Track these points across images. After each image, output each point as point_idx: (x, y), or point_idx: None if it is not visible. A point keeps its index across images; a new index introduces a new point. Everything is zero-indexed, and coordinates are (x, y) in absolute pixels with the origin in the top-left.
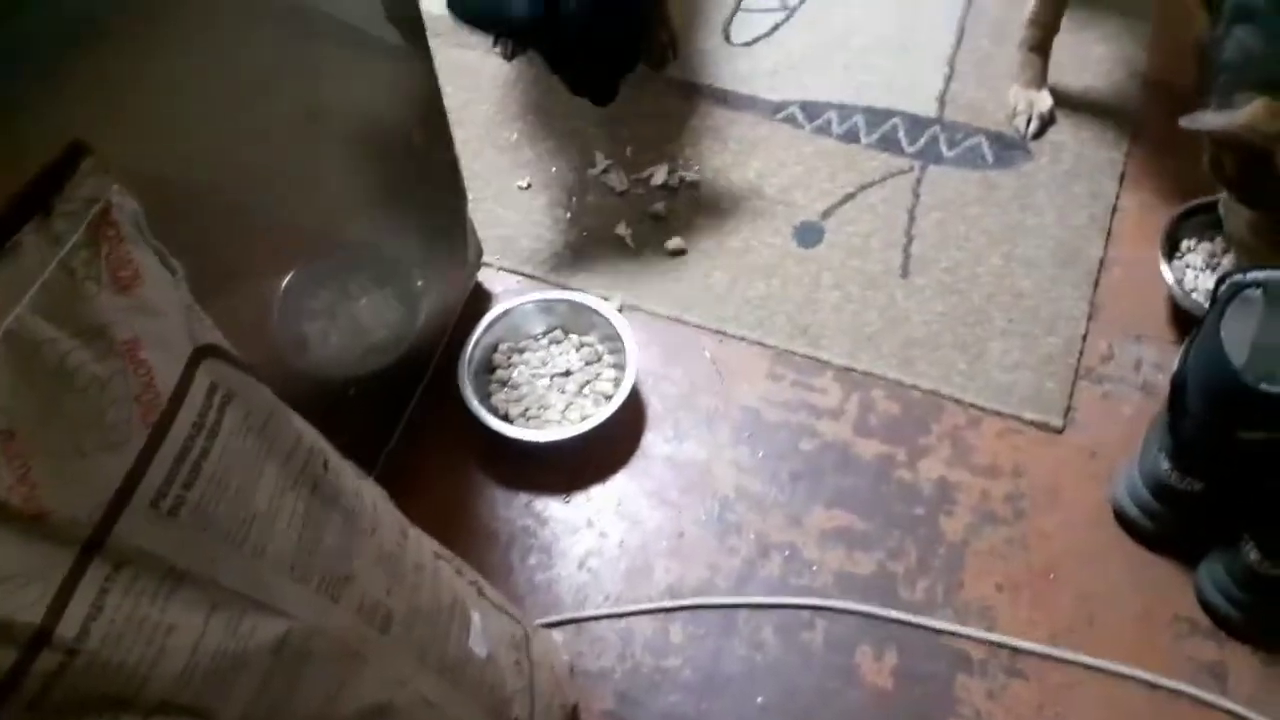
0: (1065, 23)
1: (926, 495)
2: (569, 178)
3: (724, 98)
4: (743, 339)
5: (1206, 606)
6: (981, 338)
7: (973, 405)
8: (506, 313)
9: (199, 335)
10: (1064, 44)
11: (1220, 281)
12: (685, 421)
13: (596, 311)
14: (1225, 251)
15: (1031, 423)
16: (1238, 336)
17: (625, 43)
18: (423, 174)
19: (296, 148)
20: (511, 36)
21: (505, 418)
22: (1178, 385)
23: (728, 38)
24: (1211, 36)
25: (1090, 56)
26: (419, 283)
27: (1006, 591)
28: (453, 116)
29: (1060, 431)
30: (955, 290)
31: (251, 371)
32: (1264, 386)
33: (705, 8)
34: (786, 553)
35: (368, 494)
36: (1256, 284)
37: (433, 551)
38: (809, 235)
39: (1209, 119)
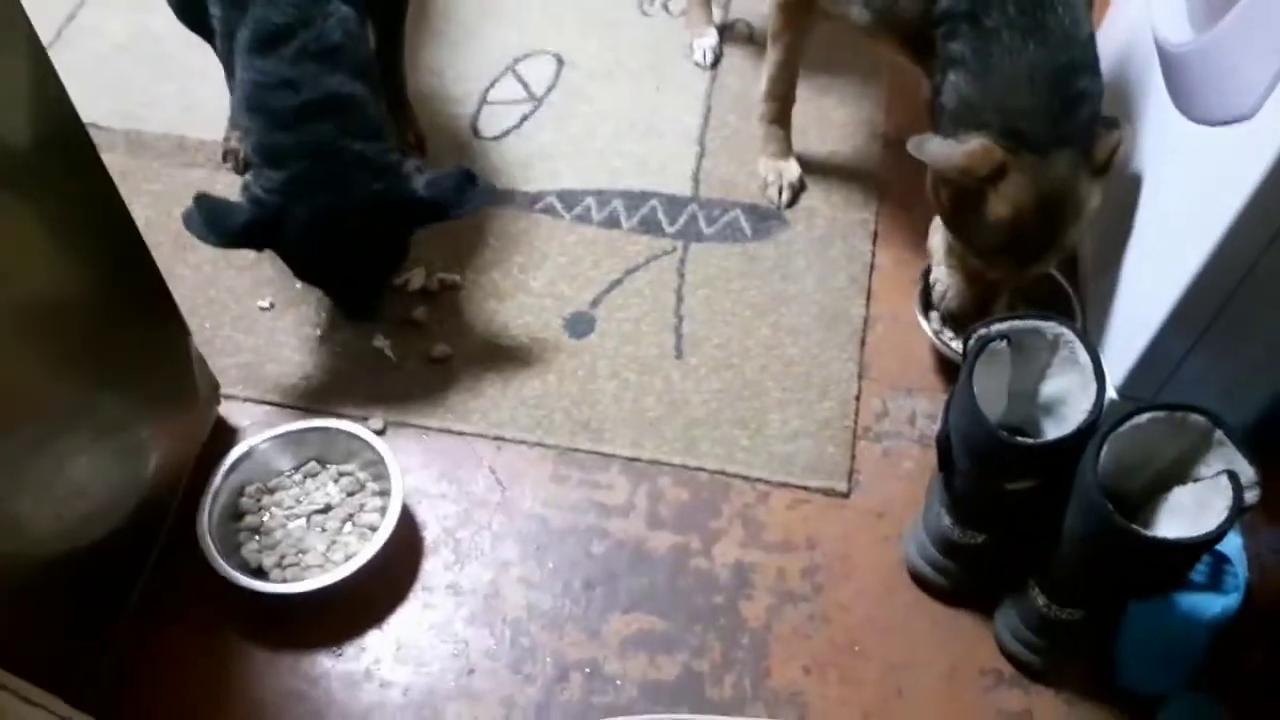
0: (804, 90)
1: (724, 582)
2: (316, 291)
3: None
4: (522, 442)
5: (1008, 655)
6: (760, 410)
7: (759, 480)
8: (250, 451)
9: None
10: (806, 111)
11: (967, 338)
12: (466, 542)
13: (354, 436)
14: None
15: (818, 490)
16: (993, 389)
17: (367, 263)
18: (128, 314)
19: None
20: (241, 246)
21: (259, 570)
22: (944, 444)
23: (476, 132)
24: (931, 87)
25: (831, 121)
26: (143, 431)
27: (814, 673)
28: (183, 240)
29: (846, 496)
30: (729, 365)
31: None
32: (1019, 439)
33: (450, 104)
34: (587, 670)
35: None
36: (1002, 336)
37: None
38: (580, 326)
39: (931, 149)
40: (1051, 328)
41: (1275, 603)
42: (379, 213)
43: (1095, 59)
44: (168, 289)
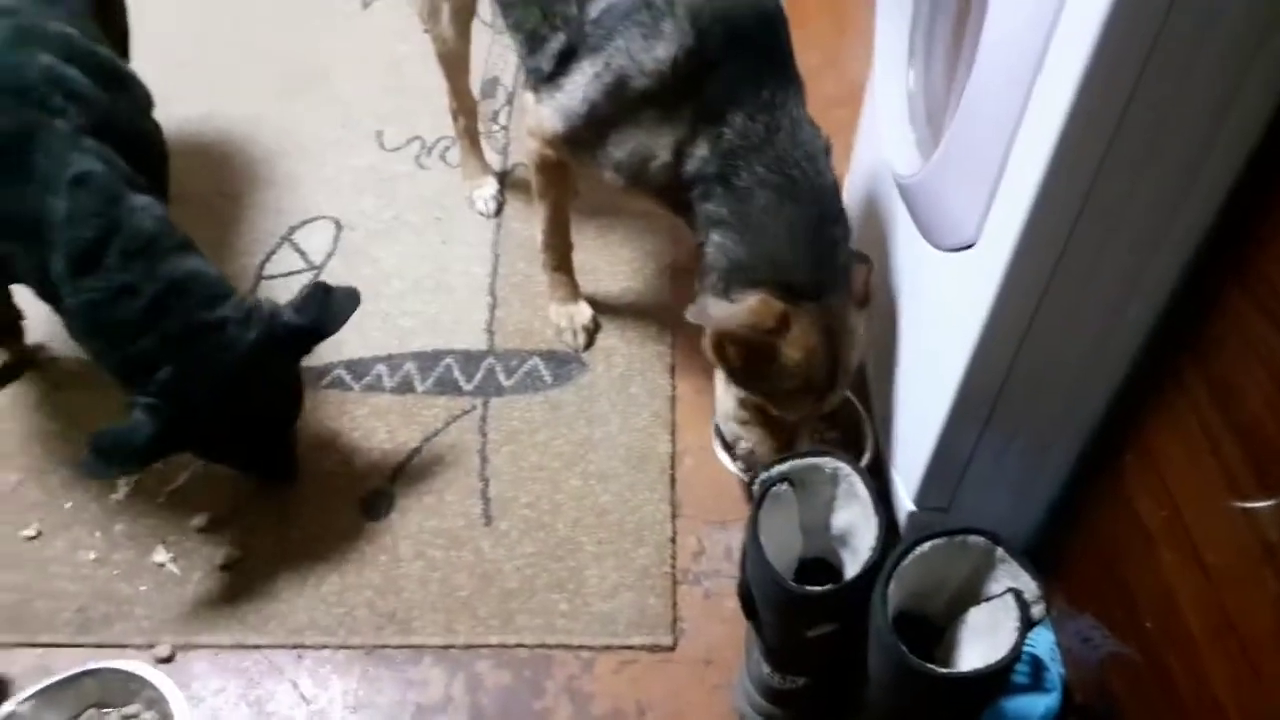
0: (590, 229)
1: None
2: (89, 509)
3: None
4: (324, 647)
5: None
6: (576, 569)
7: (582, 647)
8: (12, 715)
9: None
10: (593, 250)
11: (751, 484)
12: None
13: (132, 675)
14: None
15: (643, 647)
16: (786, 529)
17: (277, 413)
18: None
19: None
20: (157, 459)
21: None
22: (745, 594)
23: None
24: (696, 241)
25: (619, 258)
26: None
27: None
28: None
29: (672, 648)
30: (541, 525)
31: None
32: (808, 588)
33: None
34: None
35: None
36: (783, 478)
37: None
38: (378, 506)
39: (713, 312)
40: (829, 463)
41: (1091, 693)
42: (265, 357)
43: (841, 205)
44: None
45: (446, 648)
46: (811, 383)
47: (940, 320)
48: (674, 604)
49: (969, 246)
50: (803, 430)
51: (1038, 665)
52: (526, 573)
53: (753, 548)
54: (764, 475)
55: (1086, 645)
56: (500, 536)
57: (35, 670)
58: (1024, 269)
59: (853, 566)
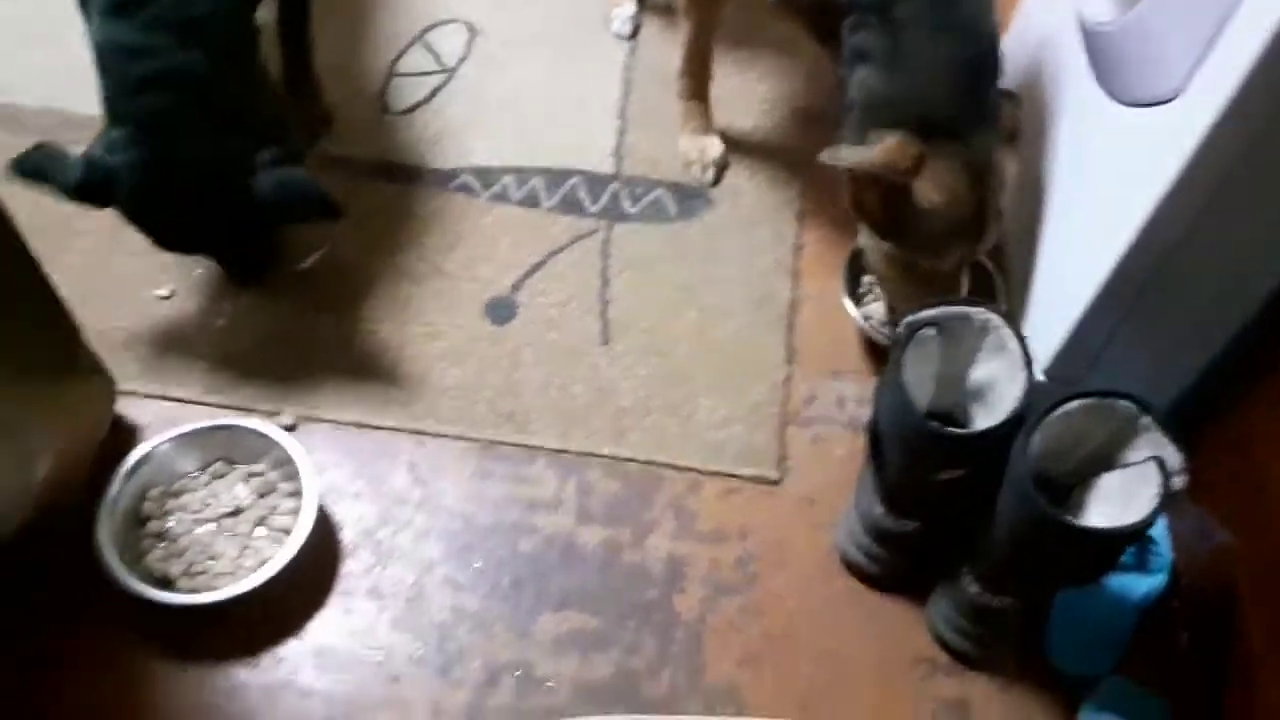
0: (727, 65)
1: (656, 575)
2: (219, 278)
3: (389, 171)
4: (443, 436)
5: (942, 643)
6: (689, 397)
7: (690, 469)
8: (150, 453)
9: None
10: (729, 86)
11: (896, 325)
12: (386, 543)
13: (262, 434)
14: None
15: (749, 479)
16: (922, 376)
17: (205, 231)
18: (5, 315)
19: None
20: (78, 202)
21: (164, 580)
22: (874, 432)
23: (385, 107)
24: (838, 76)
25: (755, 96)
26: (33, 434)
27: (749, 667)
28: (69, 227)
29: (778, 483)
30: (657, 351)
31: None
32: (949, 429)
33: (357, 77)
34: (518, 673)
35: None
36: (931, 323)
37: None
38: (501, 311)
39: (847, 155)
40: (979, 314)
41: (1198, 583)
42: (206, 199)
43: (999, 49)
44: (49, 285)
45: (560, 452)
46: (957, 226)
47: (1109, 184)
48: (782, 443)
49: (1167, 101)
50: (957, 282)
51: (1144, 548)
52: (640, 394)
53: (895, 386)
54: (911, 318)
55: (1199, 535)
56: (616, 356)
57: (163, 421)
58: (1231, 126)
59: (985, 421)
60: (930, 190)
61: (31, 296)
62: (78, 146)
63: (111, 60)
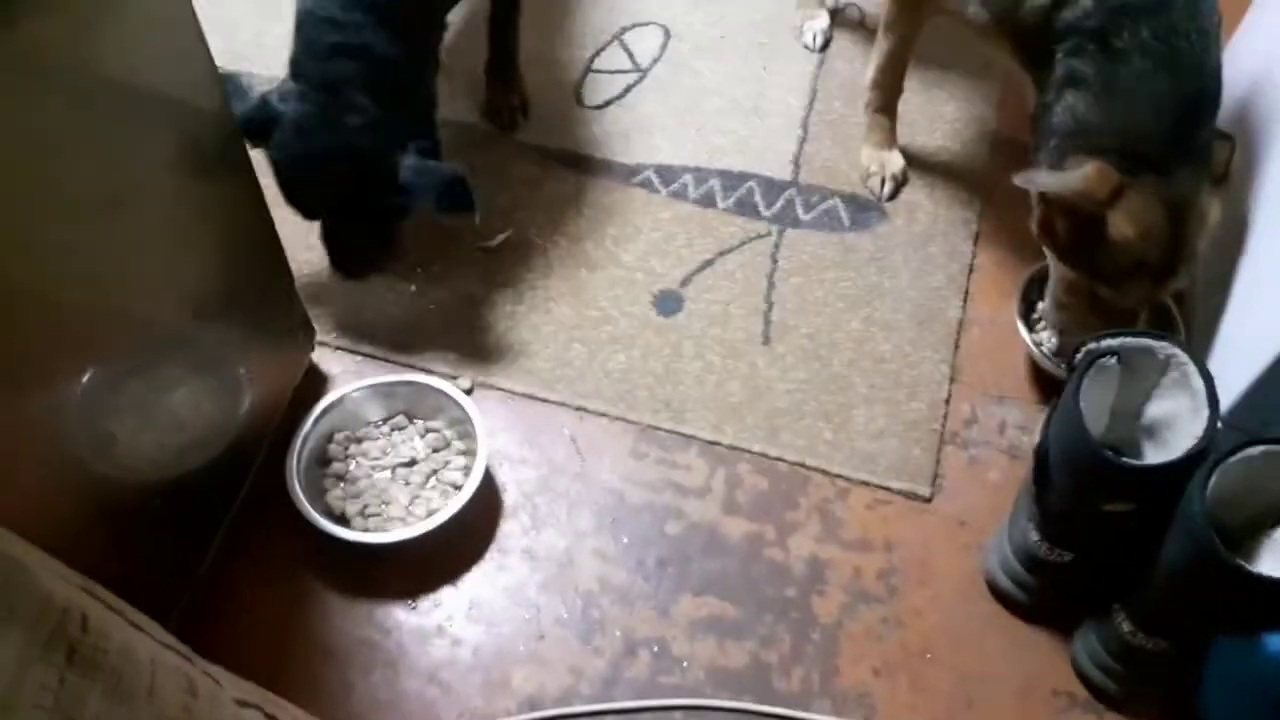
0: (915, 82)
1: (797, 575)
2: (413, 246)
3: (576, 162)
4: (604, 415)
5: (1083, 678)
6: (845, 405)
7: (840, 476)
8: (341, 399)
9: None
10: (915, 104)
11: (1076, 351)
12: (543, 509)
13: (443, 393)
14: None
15: (900, 493)
16: (1096, 405)
17: (340, 205)
18: (237, 252)
19: (88, 229)
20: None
21: (342, 517)
22: (1041, 458)
23: (579, 100)
24: (1040, 102)
25: (941, 116)
26: (241, 370)
27: (884, 676)
28: None
29: (929, 500)
30: (817, 357)
31: None
32: (1125, 460)
33: (556, 69)
34: (655, 649)
35: (143, 650)
36: (1112, 352)
37: (235, 701)
38: (668, 304)
39: (1042, 179)
40: (1164, 348)
41: None
42: (350, 166)
43: (1219, 85)
44: (275, 230)
45: (713, 444)
46: (1147, 263)
47: None
48: (937, 461)
49: None
50: (1133, 323)
51: None
52: (796, 396)
53: (1070, 409)
54: (1092, 345)
55: None
56: (776, 358)
57: (351, 374)
58: None
59: (1157, 458)
60: (1124, 223)
61: (261, 249)
62: None
63: (310, 27)
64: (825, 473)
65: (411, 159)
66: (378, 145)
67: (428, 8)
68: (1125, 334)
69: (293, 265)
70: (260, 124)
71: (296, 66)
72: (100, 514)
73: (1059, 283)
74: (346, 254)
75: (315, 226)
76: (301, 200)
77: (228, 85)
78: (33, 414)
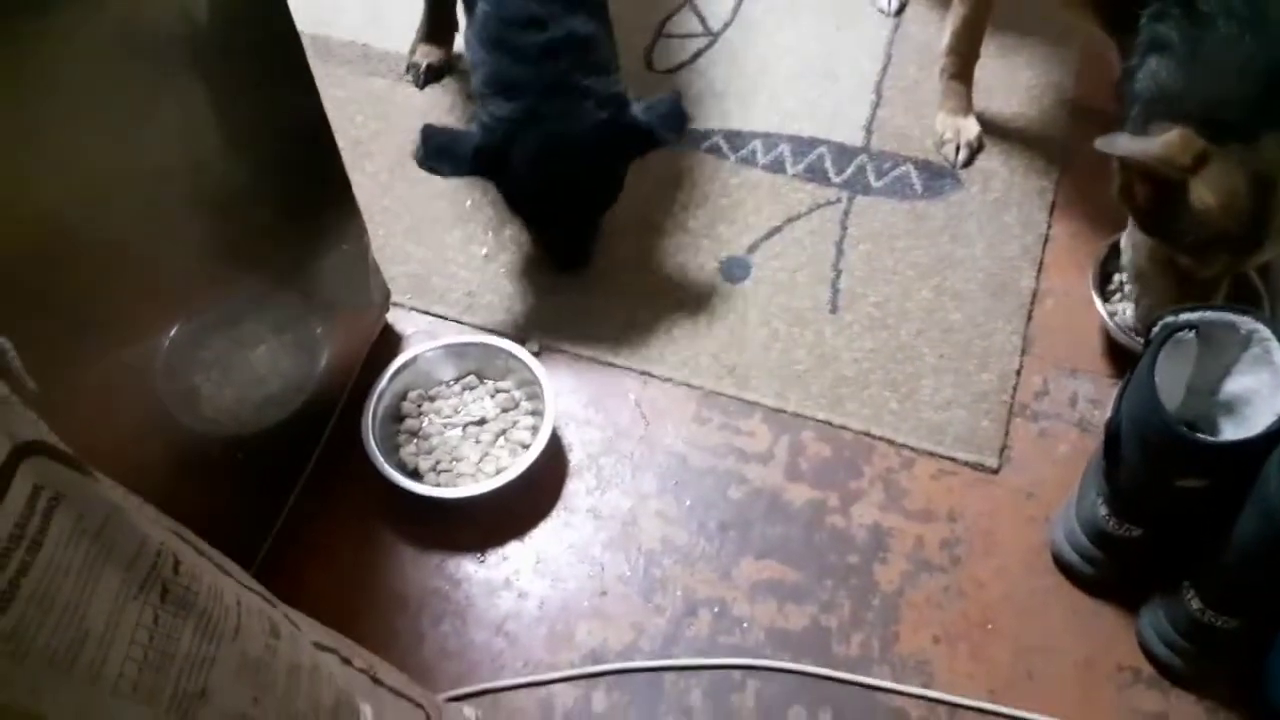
0: (992, 48)
1: (860, 543)
2: (486, 212)
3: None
4: (668, 380)
5: (1149, 655)
6: (912, 375)
7: (905, 446)
8: (415, 358)
9: (19, 432)
10: (991, 70)
11: (1152, 324)
12: (608, 470)
13: (512, 355)
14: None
15: (966, 463)
16: (1172, 380)
17: (589, 194)
18: (316, 213)
19: (170, 192)
20: (473, 173)
21: (414, 472)
22: (1113, 432)
23: (649, 64)
24: (1125, 67)
25: (1018, 82)
26: (319, 328)
27: (944, 644)
28: (361, 148)
29: (996, 472)
30: (885, 326)
31: (85, 468)
32: (1201, 436)
33: (626, 33)
34: (715, 609)
35: (229, 592)
36: (1190, 326)
37: (313, 644)
38: (735, 270)
39: (1124, 144)
40: (1246, 323)
41: None
42: (604, 142)
43: None
44: (353, 193)
45: (777, 410)
46: (1230, 234)
47: None
48: (1006, 432)
49: None
50: (1219, 290)
51: None
52: (863, 365)
53: (1144, 384)
54: (1170, 319)
55: None
56: (843, 326)
57: (424, 334)
58: None
59: (1233, 435)
60: (1206, 192)
61: (338, 207)
62: (376, 79)
63: (508, 32)
64: (890, 442)
65: (635, 105)
66: (615, 115)
67: None
68: (1204, 308)
69: (369, 227)
70: (497, 152)
71: (505, 81)
72: (186, 464)
73: (1140, 250)
74: (578, 248)
75: (384, 191)
76: (557, 209)
77: (431, 141)
78: (125, 367)
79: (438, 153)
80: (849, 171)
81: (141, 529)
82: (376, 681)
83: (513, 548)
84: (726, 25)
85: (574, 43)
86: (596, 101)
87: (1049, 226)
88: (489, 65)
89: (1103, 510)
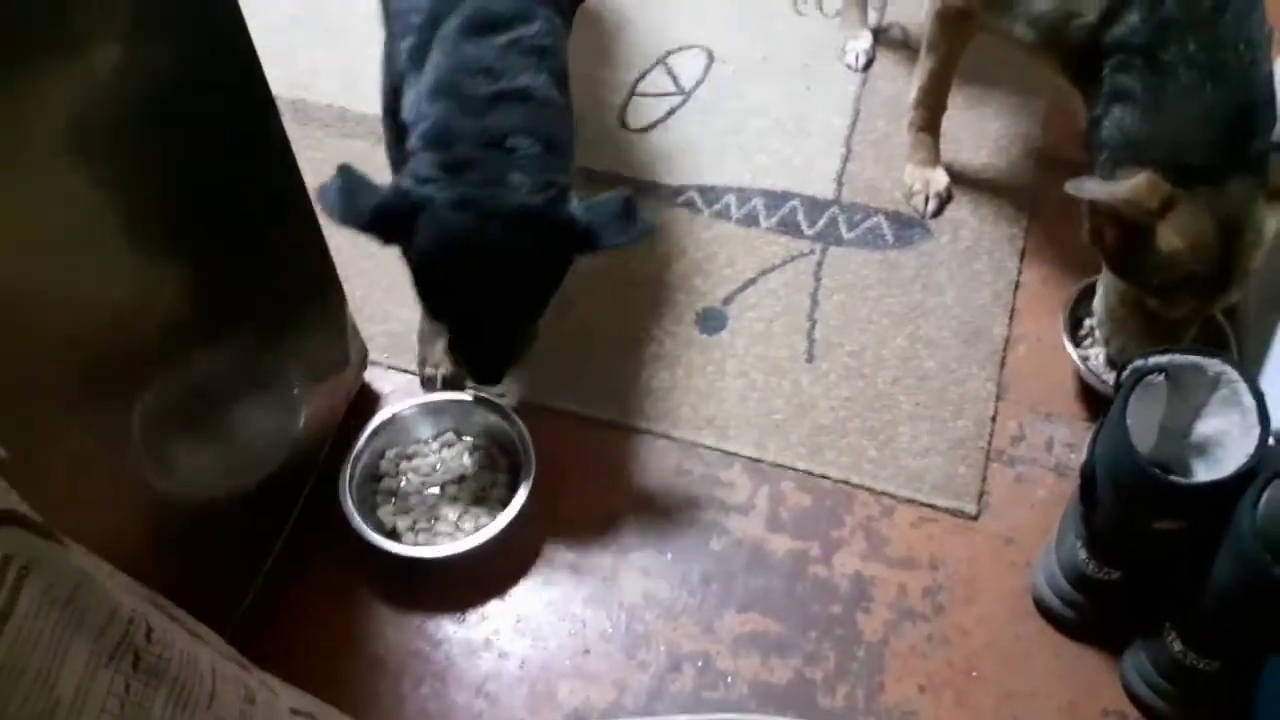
0: (960, 99)
1: (842, 592)
2: None
3: (620, 184)
4: (647, 432)
5: (1133, 698)
6: (890, 423)
7: (884, 494)
8: (393, 417)
9: None
10: (960, 120)
11: (1124, 366)
12: (588, 525)
13: (489, 411)
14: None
15: (945, 510)
16: (1144, 423)
17: (506, 292)
18: (294, 277)
19: (142, 255)
20: (368, 232)
21: (393, 532)
22: (1088, 476)
23: (624, 123)
24: (1090, 116)
25: (986, 133)
26: (296, 389)
27: (929, 693)
28: None
29: (975, 518)
30: (861, 374)
31: (56, 536)
32: (1173, 477)
33: (600, 92)
34: (699, 664)
35: (204, 659)
36: (1159, 369)
37: (290, 710)
38: (711, 322)
39: (1092, 188)
40: (1214, 365)
41: None
42: (531, 230)
43: (1273, 97)
44: (330, 257)
45: (756, 460)
46: (1197, 276)
47: None
48: (983, 478)
49: None
50: (1186, 333)
51: None
52: (840, 414)
53: (1117, 427)
54: (1139, 363)
55: None
56: (819, 375)
57: (402, 392)
58: None
59: (1206, 476)
60: (1173, 235)
61: (316, 272)
62: (354, 140)
63: (461, 80)
64: (870, 490)
65: (575, 202)
66: (550, 204)
67: (561, 47)
68: (1173, 351)
69: (347, 287)
70: (399, 217)
71: (443, 133)
72: (161, 528)
73: (1111, 292)
74: (490, 359)
75: (369, 246)
76: (465, 304)
77: (340, 182)
78: (99, 432)
79: (339, 194)
80: (821, 223)
81: (113, 596)
82: None
83: (493, 606)
84: (698, 84)
85: (526, 99)
86: (534, 181)
87: (1019, 273)
88: (430, 118)
89: (1082, 554)
